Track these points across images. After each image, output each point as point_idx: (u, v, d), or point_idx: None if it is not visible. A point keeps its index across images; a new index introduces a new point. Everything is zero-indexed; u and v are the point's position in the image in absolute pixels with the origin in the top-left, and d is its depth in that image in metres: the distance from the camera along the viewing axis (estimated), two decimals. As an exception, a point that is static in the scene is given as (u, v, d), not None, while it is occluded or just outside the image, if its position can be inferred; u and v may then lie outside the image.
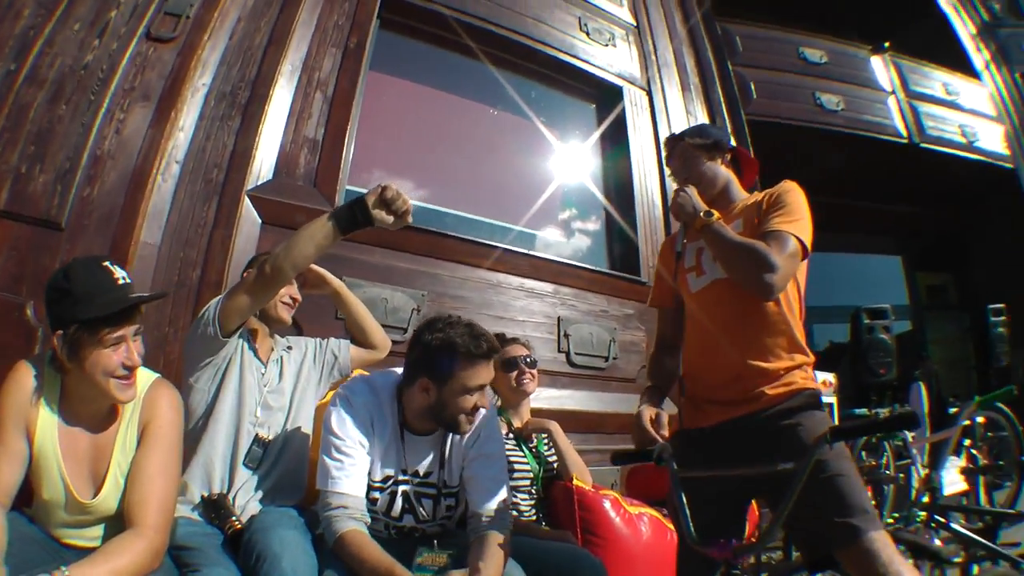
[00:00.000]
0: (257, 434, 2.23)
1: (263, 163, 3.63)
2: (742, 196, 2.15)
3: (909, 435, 4.58)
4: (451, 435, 2.15)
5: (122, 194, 3.23)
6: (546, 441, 2.92)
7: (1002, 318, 7.15)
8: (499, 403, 2.88)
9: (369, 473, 2.05)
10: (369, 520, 1.99)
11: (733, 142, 2.57)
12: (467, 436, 2.16)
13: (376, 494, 2.06)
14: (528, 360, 2.96)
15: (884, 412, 5.84)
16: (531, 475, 2.76)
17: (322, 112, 3.98)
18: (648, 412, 1.87)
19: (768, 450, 1.69)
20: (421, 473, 2.12)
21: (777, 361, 1.87)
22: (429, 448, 2.14)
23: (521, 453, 2.79)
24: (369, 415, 2.08)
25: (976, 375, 9.12)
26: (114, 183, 3.23)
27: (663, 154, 2.24)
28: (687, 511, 1.60)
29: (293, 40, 4.02)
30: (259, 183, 3.58)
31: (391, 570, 1.81)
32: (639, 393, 2.05)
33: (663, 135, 5.70)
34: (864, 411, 5.89)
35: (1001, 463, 5.17)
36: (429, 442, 2.14)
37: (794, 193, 1.99)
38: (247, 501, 2.13)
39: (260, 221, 3.52)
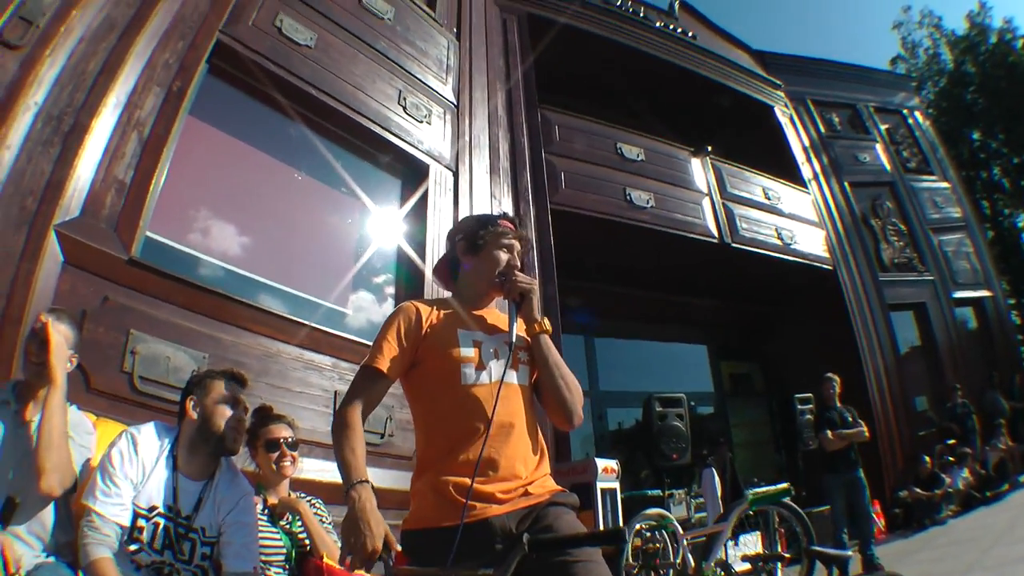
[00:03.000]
0: (9, 496, 2.40)
1: (73, 198, 3.82)
2: None
3: (679, 526, 5.47)
4: (215, 485, 2.69)
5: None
6: (298, 520, 3.20)
7: (809, 406, 8.47)
8: (259, 474, 3.29)
9: (137, 499, 2.50)
10: (116, 546, 2.41)
11: None
12: (227, 498, 2.69)
13: (142, 522, 2.49)
14: (290, 442, 3.28)
15: (680, 493, 6.93)
16: (284, 551, 3.09)
17: (135, 154, 4.25)
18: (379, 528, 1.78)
19: (502, 551, 1.86)
20: (183, 513, 2.58)
21: (539, 467, 2.12)
22: (196, 493, 2.65)
23: (274, 530, 3.11)
24: (149, 453, 2.59)
25: (784, 455, 10.62)
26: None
27: (516, 223, 2.43)
28: None
29: (124, 71, 4.29)
30: (67, 219, 3.75)
31: None
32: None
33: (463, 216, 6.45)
34: (658, 492, 6.88)
35: (788, 555, 5.88)
36: (198, 488, 2.66)
37: None
38: (21, 554, 2.32)
39: (62, 260, 3.68)
